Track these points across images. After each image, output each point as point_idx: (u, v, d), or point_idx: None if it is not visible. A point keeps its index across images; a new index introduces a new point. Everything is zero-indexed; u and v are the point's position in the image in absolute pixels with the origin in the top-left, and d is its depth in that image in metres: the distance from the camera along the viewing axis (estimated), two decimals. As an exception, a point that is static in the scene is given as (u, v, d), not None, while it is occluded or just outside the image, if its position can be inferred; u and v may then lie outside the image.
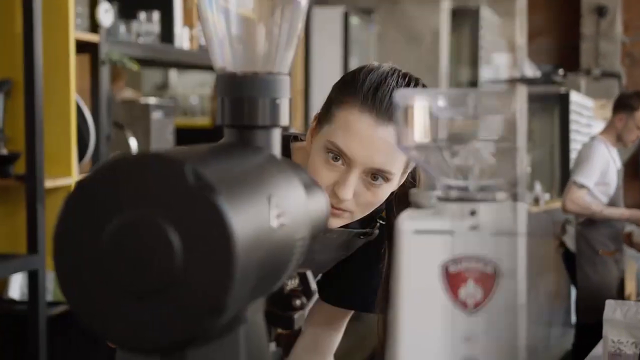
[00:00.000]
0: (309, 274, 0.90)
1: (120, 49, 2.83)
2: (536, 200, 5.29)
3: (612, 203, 4.43)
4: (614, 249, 4.47)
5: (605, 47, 9.22)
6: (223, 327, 0.64)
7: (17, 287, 2.51)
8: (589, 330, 4.40)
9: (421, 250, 0.69)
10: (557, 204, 6.22)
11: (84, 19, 2.65)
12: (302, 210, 0.76)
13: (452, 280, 0.68)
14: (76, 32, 2.54)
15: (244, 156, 0.74)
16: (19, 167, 2.40)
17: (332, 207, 1.26)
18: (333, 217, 1.28)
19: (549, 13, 6.47)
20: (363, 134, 1.24)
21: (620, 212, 4.43)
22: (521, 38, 5.74)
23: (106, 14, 2.65)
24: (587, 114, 7.14)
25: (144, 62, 3.23)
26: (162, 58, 3.17)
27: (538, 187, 5.83)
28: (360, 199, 1.28)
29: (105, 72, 2.69)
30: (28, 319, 2.36)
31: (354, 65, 5.83)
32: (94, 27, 2.67)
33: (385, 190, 1.29)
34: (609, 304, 1.94)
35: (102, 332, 0.63)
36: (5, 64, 2.42)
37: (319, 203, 0.85)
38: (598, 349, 2.10)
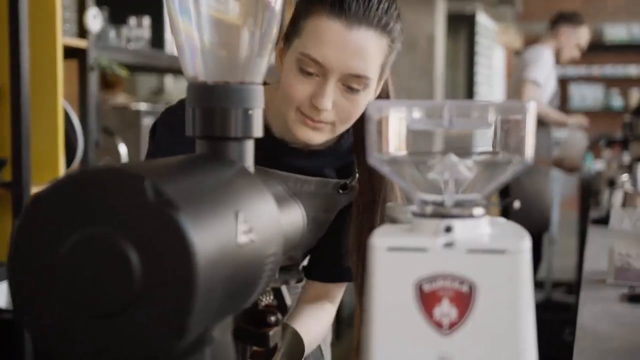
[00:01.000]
0: (284, 289, 0.87)
1: (110, 54, 2.80)
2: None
3: (550, 104, 4.60)
4: (548, 159, 4.57)
5: None
6: (187, 348, 0.62)
7: (3, 295, 2.48)
8: None
9: (395, 268, 0.66)
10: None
11: (72, 24, 2.62)
12: (273, 225, 0.74)
13: (427, 299, 0.66)
14: (64, 38, 2.51)
15: (213, 169, 0.72)
16: (5, 174, 2.37)
17: (312, 120, 1.25)
18: (315, 131, 1.26)
19: None
20: (335, 40, 1.21)
21: (564, 117, 4.66)
22: None
23: (95, 20, 2.63)
24: (491, 37, 7.26)
25: (134, 68, 3.21)
26: (153, 64, 3.15)
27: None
28: (339, 109, 1.25)
29: (93, 78, 2.67)
30: (14, 327, 2.33)
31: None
32: (83, 32, 2.64)
33: (364, 99, 1.26)
34: (616, 212, 1.80)
35: (59, 353, 0.60)
36: (-9, 69, 2.40)
37: (293, 216, 0.83)
38: (601, 265, 1.95)
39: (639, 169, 3.25)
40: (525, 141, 0.67)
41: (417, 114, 0.68)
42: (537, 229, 4.54)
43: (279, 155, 1.37)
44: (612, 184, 3.16)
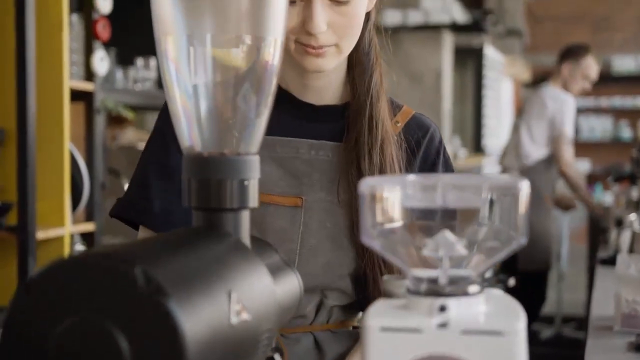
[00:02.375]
0: (277, 358, 0.86)
1: (116, 96, 2.82)
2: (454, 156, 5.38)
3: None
4: (554, 197, 4.59)
5: (509, 4, 9.32)
6: None
7: None
8: (528, 278, 4.41)
9: (389, 349, 0.66)
10: (475, 161, 6.30)
11: (80, 67, 2.64)
12: (268, 300, 0.73)
13: (421, 380, 0.65)
14: (71, 81, 2.53)
15: (207, 246, 0.72)
16: (11, 218, 2.37)
17: (313, 47, 1.16)
18: (320, 58, 1.17)
19: None
20: None
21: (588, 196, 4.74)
22: None
23: (102, 62, 2.65)
24: (499, 69, 7.29)
25: (141, 108, 3.22)
26: (160, 104, 3.16)
27: (457, 141, 5.87)
28: (336, 27, 1.16)
29: (100, 121, 2.68)
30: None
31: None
32: (90, 75, 2.66)
33: (358, 8, 1.18)
34: (621, 258, 1.77)
35: None
36: (-2, 113, 2.42)
37: (289, 286, 0.82)
38: (608, 310, 1.90)
39: (647, 207, 3.23)
40: (518, 219, 0.67)
41: (410, 191, 0.68)
42: (542, 267, 4.51)
43: (294, 117, 1.27)
44: (619, 223, 3.14)
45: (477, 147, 7.06)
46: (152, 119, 5.53)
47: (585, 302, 5.42)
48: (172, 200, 1.22)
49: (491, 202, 0.68)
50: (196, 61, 0.77)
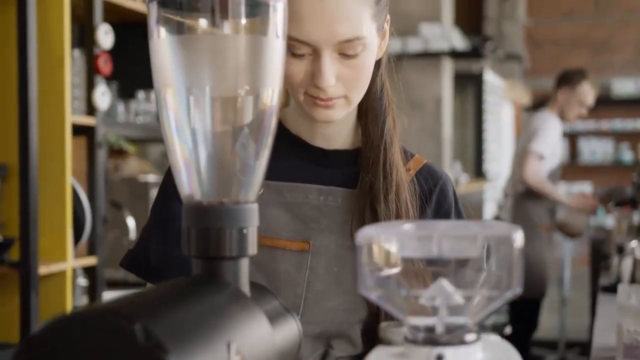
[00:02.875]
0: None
1: (118, 130, 2.84)
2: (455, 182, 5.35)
3: (551, 177, 4.52)
4: (551, 225, 4.53)
5: (508, 28, 9.39)
6: None
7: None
8: (523, 307, 4.38)
9: (386, 398, 0.66)
10: (476, 186, 6.31)
11: (81, 101, 2.66)
12: (267, 347, 0.74)
13: None
14: (73, 116, 2.55)
15: (206, 296, 0.72)
16: (13, 253, 2.38)
17: (322, 100, 1.15)
18: (330, 109, 1.16)
19: None
20: (309, 12, 1.11)
21: (570, 200, 4.60)
22: (446, 7, 5.71)
23: (103, 97, 2.67)
24: (499, 94, 7.32)
25: (143, 140, 3.24)
26: (161, 136, 3.18)
27: (458, 167, 5.86)
28: (345, 80, 1.15)
29: (101, 155, 2.70)
30: None
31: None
32: (92, 109, 2.68)
33: (368, 59, 1.16)
34: (622, 288, 1.76)
35: None
36: (0, 148, 2.43)
37: (288, 332, 0.83)
38: (611, 339, 1.87)
39: (648, 234, 3.23)
40: (513, 268, 0.68)
41: (407, 241, 0.69)
42: (536, 295, 4.49)
43: (304, 161, 1.26)
44: (621, 250, 3.14)
45: (478, 172, 7.08)
46: (154, 150, 5.56)
47: (588, 327, 5.41)
48: (169, 252, 1.23)
49: (487, 251, 0.69)
50: (195, 112, 0.78)
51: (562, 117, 4.56)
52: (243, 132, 0.80)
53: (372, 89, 1.26)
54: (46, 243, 2.44)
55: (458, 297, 0.69)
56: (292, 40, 1.12)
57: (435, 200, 1.29)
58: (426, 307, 0.70)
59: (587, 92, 4.59)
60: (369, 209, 1.21)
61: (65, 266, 2.48)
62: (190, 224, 0.78)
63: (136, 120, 3.02)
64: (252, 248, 0.79)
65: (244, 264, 0.79)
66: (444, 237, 0.68)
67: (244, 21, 0.79)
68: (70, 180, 2.50)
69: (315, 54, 1.13)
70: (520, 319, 4.50)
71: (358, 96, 1.19)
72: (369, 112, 1.27)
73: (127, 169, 3.91)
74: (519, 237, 0.67)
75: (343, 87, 1.16)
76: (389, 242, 0.70)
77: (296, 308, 1.18)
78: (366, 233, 0.70)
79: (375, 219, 1.20)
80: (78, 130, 2.63)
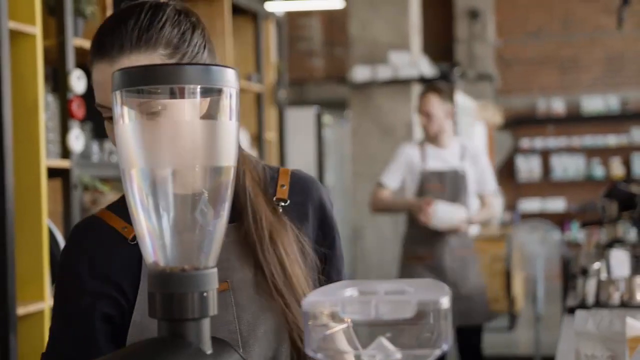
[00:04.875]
0: None
1: (93, 170, 2.91)
2: None
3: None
4: (424, 253, 4.14)
5: (479, 49, 9.58)
6: None
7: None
8: (464, 333, 4.33)
9: None
10: None
11: (56, 144, 2.73)
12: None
13: None
14: (48, 160, 2.62)
15: (170, 355, 0.80)
16: (-9, 295, 2.44)
17: None
18: None
19: (423, 15, 6.38)
20: (105, 79, 1.19)
21: (404, 200, 4.20)
22: (414, 36, 5.79)
23: (77, 140, 2.74)
24: (470, 115, 7.45)
25: (118, 180, 3.31)
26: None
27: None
28: None
29: (77, 196, 2.76)
30: None
31: (328, 162, 5.99)
32: (66, 152, 2.75)
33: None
34: (580, 314, 1.82)
35: None
36: (-23, 193, 2.49)
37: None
38: None
39: (611, 255, 3.31)
40: (442, 327, 0.76)
41: (348, 306, 0.78)
42: (481, 320, 4.34)
43: None
44: (584, 272, 3.22)
45: (451, 192, 7.18)
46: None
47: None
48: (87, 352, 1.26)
49: (420, 313, 0.78)
50: (157, 189, 0.86)
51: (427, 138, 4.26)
52: (201, 205, 0.88)
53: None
54: (24, 284, 2.50)
55: (396, 353, 0.77)
56: (99, 106, 1.21)
57: (317, 207, 1.36)
58: (368, 363, 0.78)
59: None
60: (255, 251, 1.29)
61: (43, 306, 2.54)
62: (155, 289, 0.86)
63: (110, 159, 3.09)
64: (213, 309, 0.87)
65: (206, 324, 0.87)
66: (381, 301, 0.77)
67: (199, 106, 0.88)
68: (46, 221, 2.56)
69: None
70: (464, 347, 4.42)
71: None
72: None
73: (105, 203, 3.97)
74: (445, 302, 0.76)
75: None
76: (332, 307, 0.78)
77: (236, 343, 1.26)
78: (310, 300, 0.78)
79: (263, 261, 1.28)
80: (53, 172, 2.70)
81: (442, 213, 3.99)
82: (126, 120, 0.86)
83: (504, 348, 6.37)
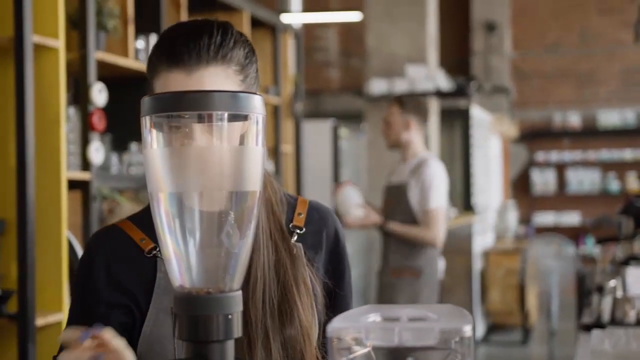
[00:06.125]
0: None
1: (112, 182, 2.93)
2: None
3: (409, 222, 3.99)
4: (408, 268, 3.94)
5: (495, 62, 9.55)
6: None
7: None
8: None
9: None
10: (464, 220, 6.38)
11: (76, 157, 2.76)
12: None
13: None
14: (68, 172, 2.65)
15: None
16: (11, 306, 2.46)
17: None
18: None
19: (440, 28, 6.33)
20: (177, 89, 1.19)
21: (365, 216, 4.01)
22: (431, 49, 5.80)
23: (97, 153, 2.77)
24: (486, 127, 7.43)
25: (137, 189, 3.34)
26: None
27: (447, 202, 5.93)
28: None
29: (96, 208, 2.79)
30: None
31: (344, 174, 6.00)
32: (86, 164, 2.78)
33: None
34: (596, 334, 1.83)
35: None
36: (-2, 204, 2.52)
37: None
38: None
39: (627, 273, 3.30)
40: (464, 346, 0.77)
41: (372, 332, 0.79)
42: None
43: None
44: (600, 289, 3.21)
45: (466, 205, 7.18)
46: (147, 194, 5.64)
47: (576, 361, 5.47)
48: None
49: (443, 340, 0.79)
50: (184, 213, 0.88)
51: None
52: (227, 228, 0.90)
53: None
54: (43, 295, 2.52)
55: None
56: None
57: (332, 238, 1.38)
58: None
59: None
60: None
61: (61, 317, 2.57)
62: (181, 311, 0.88)
63: (129, 170, 3.11)
64: (237, 331, 0.89)
65: (230, 346, 0.89)
66: (404, 328, 0.78)
67: (226, 132, 0.89)
68: (65, 233, 2.59)
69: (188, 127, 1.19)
70: None
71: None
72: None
73: (122, 213, 3.99)
74: (468, 329, 0.77)
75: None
76: (357, 333, 0.79)
77: None
78: (335, 326, 0.80)
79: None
80: (73, 184, 2.72)
81: (343, 196, 3.95)
82: (154, 145, 0.88)
83: (517, 363, 6.36)
